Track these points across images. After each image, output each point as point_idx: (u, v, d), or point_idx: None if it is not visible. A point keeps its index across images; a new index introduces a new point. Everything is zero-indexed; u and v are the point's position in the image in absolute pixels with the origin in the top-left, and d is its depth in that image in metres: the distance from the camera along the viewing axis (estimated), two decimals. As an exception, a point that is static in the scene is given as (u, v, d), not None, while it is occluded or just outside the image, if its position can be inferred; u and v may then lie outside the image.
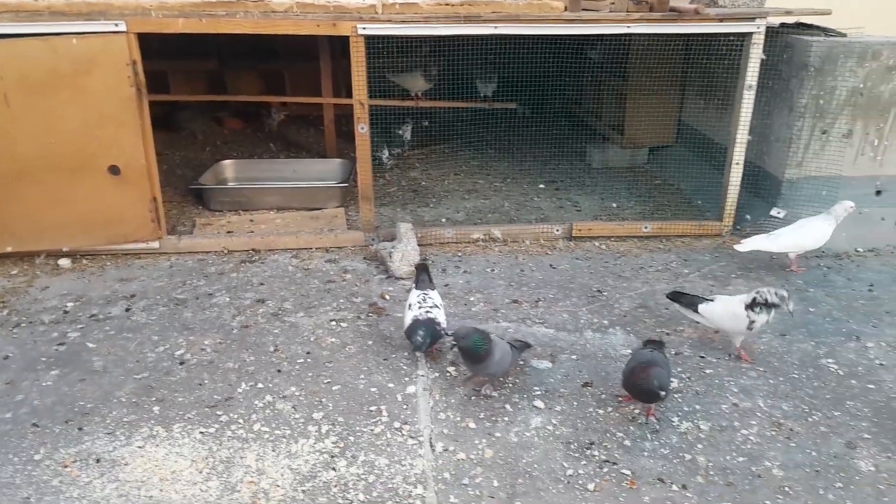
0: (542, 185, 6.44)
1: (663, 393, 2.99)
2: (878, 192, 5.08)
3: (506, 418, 3.25)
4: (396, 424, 3.20)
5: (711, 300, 3.75)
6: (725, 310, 3.66)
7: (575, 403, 3.37)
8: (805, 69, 4.79)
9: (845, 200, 4.67)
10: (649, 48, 6.18)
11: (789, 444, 3.08)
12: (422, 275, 3.93)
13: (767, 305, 3.57)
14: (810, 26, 5.04)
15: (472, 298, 4.38)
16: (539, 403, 3.35)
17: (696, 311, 3.73)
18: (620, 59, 6.63)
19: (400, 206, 5.92)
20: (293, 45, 7.25)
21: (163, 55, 7.03)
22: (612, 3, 4.74)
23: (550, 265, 4.87)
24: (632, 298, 4.38)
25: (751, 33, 4.74)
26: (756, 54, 4.77)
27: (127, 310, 4.16)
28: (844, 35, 4.85)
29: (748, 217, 5.29)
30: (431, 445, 3.08)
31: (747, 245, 4.63)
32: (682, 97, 6.61)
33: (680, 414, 3.29)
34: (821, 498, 2.78)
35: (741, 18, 4.74)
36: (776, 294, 3.58)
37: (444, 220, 5.65)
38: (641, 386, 3.06)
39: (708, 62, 5.53)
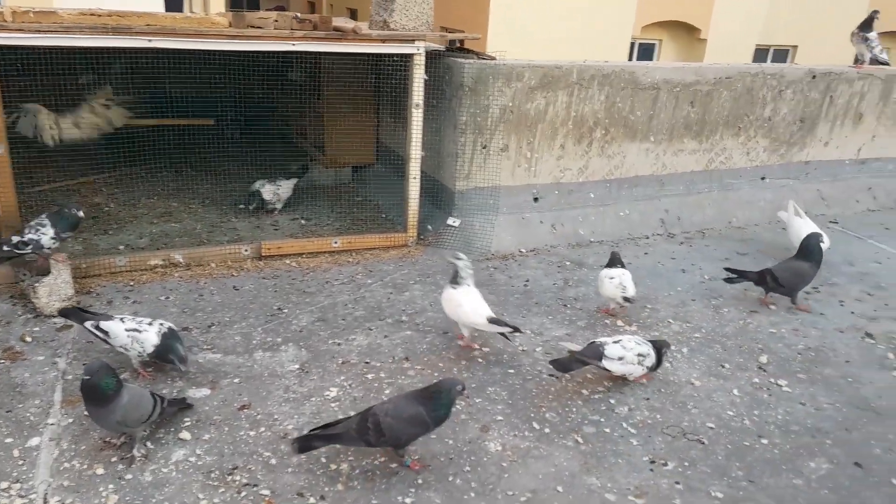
0: (242, 206, 6.24)
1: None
2: (536, 199, 5.71)
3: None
4: (4, 485, 2.78)
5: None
6: None
7: (226, 429, 3.22)
8: (462, 89, 5.22)
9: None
10: (339, 69, 6.35)
11: (430, 436, 3.24)
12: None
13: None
14: (468, 50, 5.53)
15: (137, 330, 4.03)
16: (185, 435, 3.15)
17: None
18: (316, 80, 6.74)
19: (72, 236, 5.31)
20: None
21: None
22: (276, 21, 4.74)
23: (234, 287, 4.69)
24: (312, 313, 4.37)
25: (412, 55, 5.05)
26: (419, 75, 5.09)
27: None
28: (494, 58, 5.39)
29: (430, 227, 5.62)
30: (45, 501, 2.71)
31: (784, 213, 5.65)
32: (377, 118, 6.87)
33: (334, 423, 3.30)
34: (450, 484, 2.95)
35: (402, 40, 5.03)
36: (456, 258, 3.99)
37: (122, 247, 5.19)
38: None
39: (390, 84, 5.81)
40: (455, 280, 3.92)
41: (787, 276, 4.62)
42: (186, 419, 3.25)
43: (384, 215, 6.04)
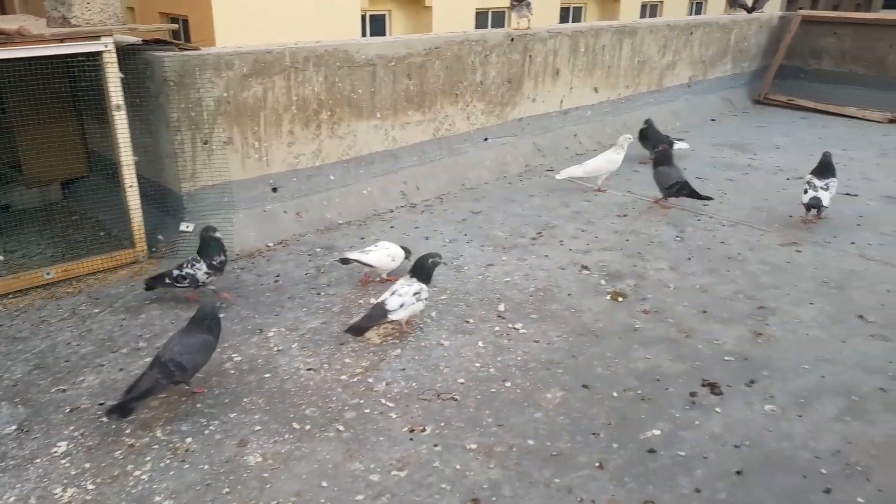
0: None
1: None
2: (275, 189, 5.54)
3: None
4: None
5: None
6: None
7: (-75, 525, 2.70)
8: (167, 84, 4.83)
9: (627, 134, 6.60)
10: (22, 75, 5.50)
11: (183, 466, 3.03)
12: None
13: None
14: (167, 42, 5.11)
15: None
16: None
17: None
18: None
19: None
20: None
21: None
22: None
23: (-80, 351, 3.92)
24: (27, 361, 3.81)
25: (101, 52, 4.54)
26: (114, 74, 4.60)
27: None
28: (197, 48, 5.05)
29: (161, 237, 5.19)
30: None
31: (563, 174, 6.31)
32: (81, 124, 6.12)
33: (67, 480, 2.93)
34: (209, 511, 2.79)
35: (83, 38, 4.49)
36: None
37: None
38: None
39: (86, 86, 5.17)
40: None
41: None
42: None
43: (105, 232, 5.44)
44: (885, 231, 5.69)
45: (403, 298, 3.91)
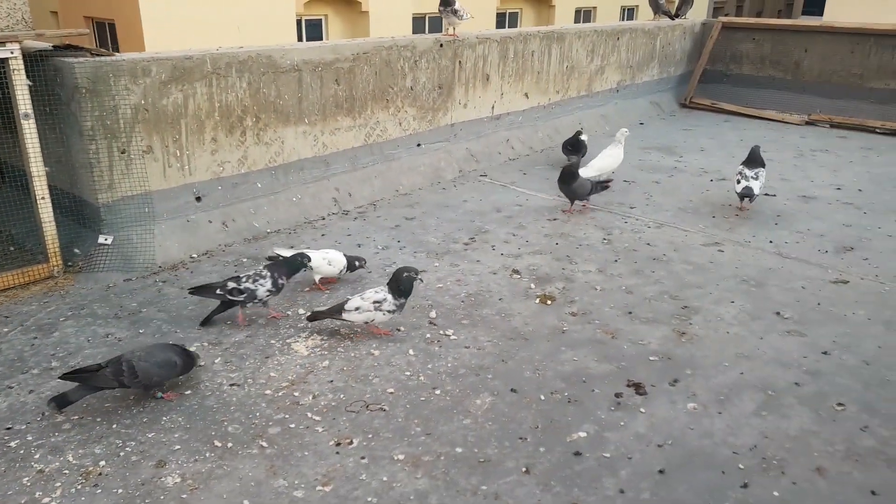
0: None
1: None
2: (199, 198, 5.38)
3: None
4: None
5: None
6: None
7: None
8: (79, 91, 4.63)
9: (623, 129, 6.97)
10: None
11: (96, 490, 2.89)
12: None
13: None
14: (79, 48, 4.90)
15: None
16: None
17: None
18: None
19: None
20: None
21: None
22: None
23: None
24: (-76, 388, 3.57)
25: (6, 59, 4.32)
26: (21, 81, 4.38)
27: None
28: (111, 54, 4.86)
29: (77, 251, 4.96)
30: None
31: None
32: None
33: (-34, 515, 2.76)
34: (122, 538, 2.67)
35: (-13, 43, 4.25)
36: None
37: None
38: None
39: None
40: None
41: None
42: None
43: (17, 247, 5.17)
44: (801, 230, 5.95)
45: (362, 303, 3.97)
